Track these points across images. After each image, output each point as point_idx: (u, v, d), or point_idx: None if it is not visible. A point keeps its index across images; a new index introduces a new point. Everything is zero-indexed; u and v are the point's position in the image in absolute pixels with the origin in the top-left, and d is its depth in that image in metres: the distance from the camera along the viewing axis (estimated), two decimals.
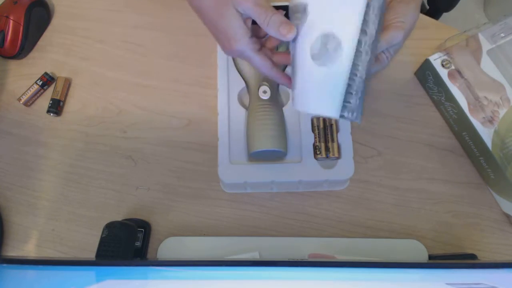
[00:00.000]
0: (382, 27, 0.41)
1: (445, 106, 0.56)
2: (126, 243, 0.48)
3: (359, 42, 0.39)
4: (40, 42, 0.65)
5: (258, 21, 0.43)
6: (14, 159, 0.59)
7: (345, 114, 0.40)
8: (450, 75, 0.54)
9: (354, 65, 0.39)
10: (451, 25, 0.62)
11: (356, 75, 0.39)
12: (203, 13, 0.44)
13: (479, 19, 1.35)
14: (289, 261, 0.42)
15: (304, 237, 0.54)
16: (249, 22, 0.44)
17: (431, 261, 0.50)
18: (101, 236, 0.48)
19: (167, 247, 0.52)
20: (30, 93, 0.61)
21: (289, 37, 0.42)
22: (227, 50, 0.45)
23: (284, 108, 0.54)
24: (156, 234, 0.55)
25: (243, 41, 0.43)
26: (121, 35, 0.64)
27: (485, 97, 0.53)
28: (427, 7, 0.91)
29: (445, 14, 0.88)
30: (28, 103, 0.61)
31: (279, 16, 0.42)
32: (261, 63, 0.45)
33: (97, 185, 0.58)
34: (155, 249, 0.52)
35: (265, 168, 0.52)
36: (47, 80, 0.61)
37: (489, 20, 0.57)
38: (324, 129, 0.54)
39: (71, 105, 0.61)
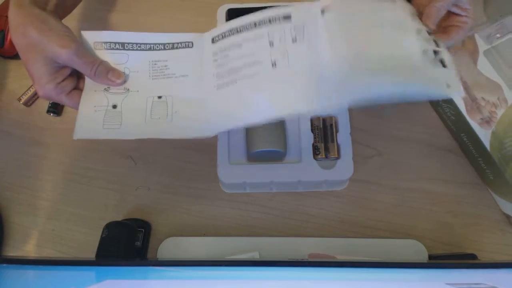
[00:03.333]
0: None
1: (442, 107, 0.56)
2: (126, 243, 0.49)
3: None
4: None
5: (83, 72, 0.45)
6: (14, 159, 0.59)
7: None
8: None
9: None
10: None
11: None
12: (18, 51, 0.44)
13: (479, 19, 1.34)
14: (289, 261, 0.43)
15: (304, 237, 0.54)
16: (65, 70, 0.45)
17: (431, 261, 0.50)
18: (101, 236, 0.48)
19: (167, 247, 0.52)
20: (30, 93, 0.61)
21: (119, 82, 0.45)
22: (37, 91, 0.46)
23: None
24: (156, 234, 0.55)
25: (47, 87, 0.44)
26: None
27: (483, 97, 0.53)
28: None
29: None
30: (28, 103, 0.61)
31: (105, 64, 0.45)
32: (72, 105, 0.46)
33: (97, 185, 0.57)
34: (155, 249, 0.52)
35: (265, 168, 0.52)
36: None
37: (488, 20, 0.57)
38: (324, 129, 0.54)
39: None
